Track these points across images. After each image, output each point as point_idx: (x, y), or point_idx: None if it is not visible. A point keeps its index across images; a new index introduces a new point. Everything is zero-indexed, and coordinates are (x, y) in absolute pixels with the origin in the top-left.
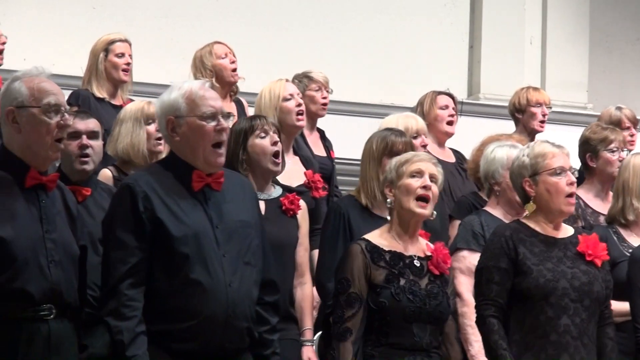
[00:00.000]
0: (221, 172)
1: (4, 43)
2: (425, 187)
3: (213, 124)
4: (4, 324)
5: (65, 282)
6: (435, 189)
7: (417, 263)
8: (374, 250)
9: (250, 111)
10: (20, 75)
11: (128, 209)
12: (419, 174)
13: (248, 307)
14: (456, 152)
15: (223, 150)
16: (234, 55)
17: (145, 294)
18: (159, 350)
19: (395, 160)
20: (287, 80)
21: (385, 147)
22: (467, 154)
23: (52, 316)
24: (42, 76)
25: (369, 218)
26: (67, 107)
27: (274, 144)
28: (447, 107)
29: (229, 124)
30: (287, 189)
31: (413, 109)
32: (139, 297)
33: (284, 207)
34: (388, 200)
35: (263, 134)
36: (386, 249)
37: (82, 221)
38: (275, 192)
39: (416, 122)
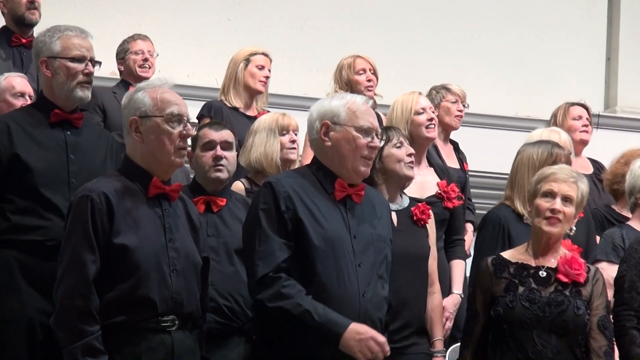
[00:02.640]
0: (363, 185)
1: (145, 60)
2: (553, 210)
3: (367, 139)
4: (128, 332)
5: (187, 291)
6: (568, 209)
7: (542, 273)
8: (500, 263)
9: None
10: (143, 85)
11: (271, 206)
12: (550, 194)
13: (378, 319)
14: (594, 162)
15: (370, 162)
16: (373, 73)
17: None
18: (296, 356)
19: (538, 174)
20: (419, 94)
21: (549, 157)
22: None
23: (174, 327)
24: (165, 87)
25: (528, 226)
26: (190, 117)
27: (409, 155)
28: (580, 117)
29: (381, 143)
30: (416, 200)
31: (548, 122)
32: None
33: (415, 218)
34: (525, 216)
35: (399, 145)
36: (513, 261)
37: (204, 233)
38: (405, 201)
39: (559, 137)
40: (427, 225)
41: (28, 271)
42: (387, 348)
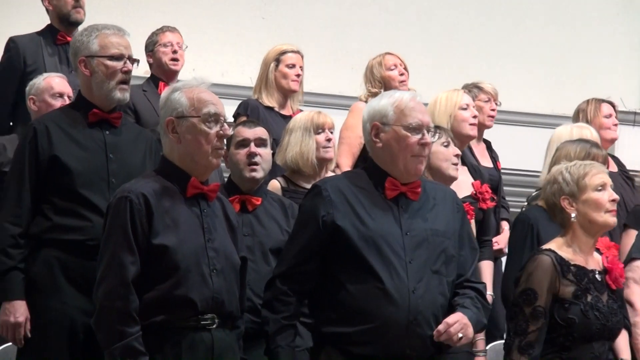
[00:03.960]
0: (418, 182)
1: (175, 52)
2: (614, 201)
3: (417, 136)
4: (168, 331)
5: (227, 291)
6: None
7: (598, 278)
8: (563, 262)
9: None
10: (179, 85)
11: (309, 210)
12: (603, 187)
13: (433, 316)
14: (614, 158)
15: (424, 160)
16: (404, 68)
17: (327, 296)
18: (336, 352)
19: (568, 172)
20: (464, 91)
21: (586, 157)
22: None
23: (214, 325)
24: (202, 87)
25: (559, 228)
26: (226, 117)
27: (456, 155)
28: (610, 115)
29: (433, 139)
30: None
31: (573, 117)
32: (295, 293)
33: None
34: (573, 215)
35: (447, 143)
36: (571, 262)
37: (241, 232)
38: None
39: (591, 134)
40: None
41: (69, 271)
42: None
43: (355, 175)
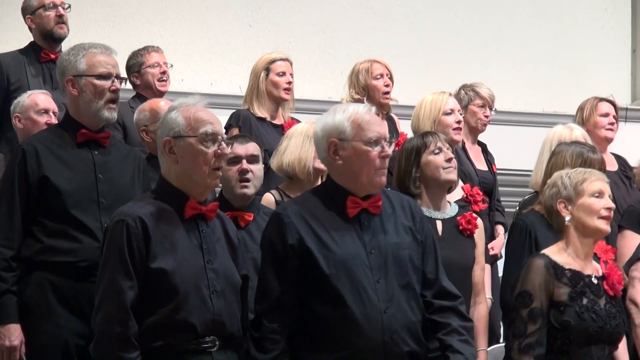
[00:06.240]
0: (379, 196)
1: (163, 72)
2: (609, 209)
3: (377, 149)
4: (168, 355)
5: (228, 312)
6: None
7: (595, 282)
8: (557, 266)
9: (403, 125)
10: (176, 105)
11: (275, 240)
12: (600, 194)
13: (408, 331)
14: (618, 158)
15: (385, 172)
16: (390, 78)
17: (302, 323)
18: None
19: (567, 176)
20: (450, 95)
21: (582, 163)
22: (632, 161)
23: (215, 348)
24: (199, 105)
25: (557, 233)
26: (225, 135)
27: (449, 160)
28: (607, 114)
29: (392, 149)
30: (463, 209)
31: (574, 116)
32: (282, 329)
33: (460, 227)
34: (567, 218)
35: (437, 151)
36: (566, 267)
37: (243, 250)
38: (451, 210)
39: (571, 133)
40: (474, 235)
41: (62, 293)
42: None
43: (313, 196)
